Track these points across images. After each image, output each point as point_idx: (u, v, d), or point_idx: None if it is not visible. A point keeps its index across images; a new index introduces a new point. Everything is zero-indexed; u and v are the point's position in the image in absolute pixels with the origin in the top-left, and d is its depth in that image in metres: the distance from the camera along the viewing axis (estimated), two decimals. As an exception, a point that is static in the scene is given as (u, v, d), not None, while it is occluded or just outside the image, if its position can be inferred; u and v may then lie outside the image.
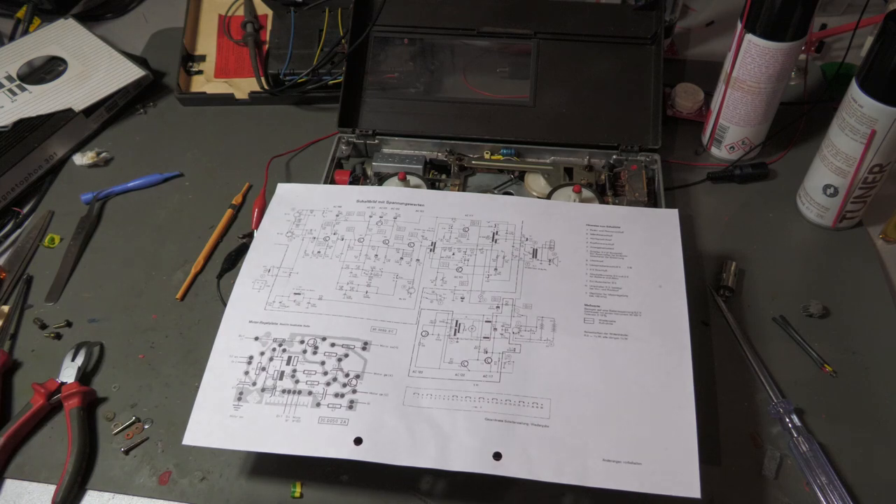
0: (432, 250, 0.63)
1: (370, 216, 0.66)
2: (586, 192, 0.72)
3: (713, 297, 0.69)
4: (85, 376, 0.65)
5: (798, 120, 0.83)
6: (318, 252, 0.64)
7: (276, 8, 0.94)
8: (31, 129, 0.82)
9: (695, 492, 0.49)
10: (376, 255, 0.63)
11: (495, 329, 0.58)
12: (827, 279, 0.71)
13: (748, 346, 0.65)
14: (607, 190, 0.74)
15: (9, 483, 0.59)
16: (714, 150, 0.83)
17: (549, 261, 0.62)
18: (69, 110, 0.85)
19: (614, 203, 0.72)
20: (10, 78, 0.89)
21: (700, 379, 0.63)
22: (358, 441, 0.52)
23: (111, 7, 1.08)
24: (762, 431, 0.60)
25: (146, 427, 0.61)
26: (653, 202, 0.73)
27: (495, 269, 0.62)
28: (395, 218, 0.66)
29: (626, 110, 0.79)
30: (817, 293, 0.69)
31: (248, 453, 0.59)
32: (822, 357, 0.64)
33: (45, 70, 0.90)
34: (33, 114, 0.84)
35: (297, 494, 0.57)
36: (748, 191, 0.80)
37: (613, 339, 0.57)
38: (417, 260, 0.63)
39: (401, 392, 0.55)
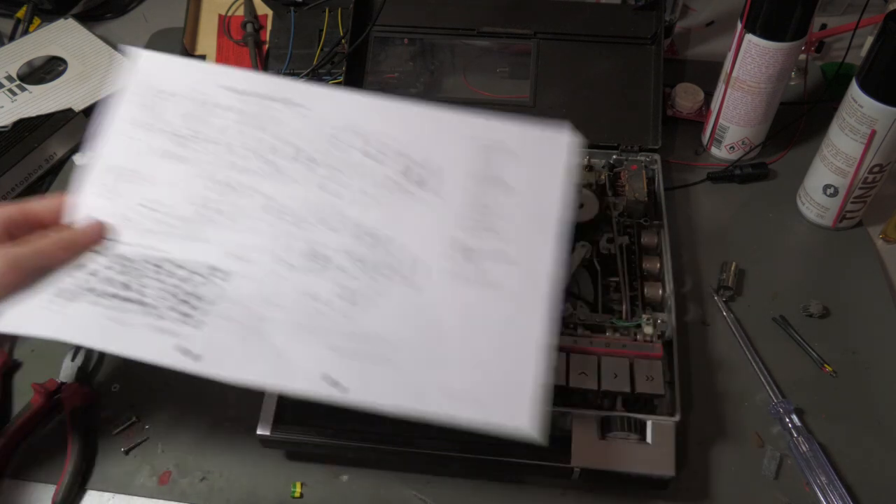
0: (300, 164, 0.56)
1: (239, 112, 0.57)
2: (586, 192, 0.72)
3: (713, 297, 0.69)
4: (85, 376, 0.65)
5: (798, 120, 0.83)
6: (174, 155, 0.55)
7: (276, 8, 0.94)
8: (31, 129, 0.82)
9: (524, 422, 0.47)
10: (239, 166, 0.55)
11: (354, 262, 0.53)
12: (827, 279, 0.71)
13: (748, 346, 0.65)
14: (607, 190, 0.74)
15: (9, 483, 0.59)
16: (714, 150, 0.83)
17: (424, 188, 0.56)
18: (69, 110, 0.85)
19: (614, 202, 0.72)
20: (10, 78, 0.89)
21: (700, 379, 0.64)
22: (188, 352, 0.49)
23: (111, 7, 1.08)
24: (762, 431, 0.60)
25: (146, 427, 0.61)
26: (653, 202, 0.73)
27: (366, 193, 0.55)
28: (265, 120, 0.57)
29: (625, 110, 0.79)
30: (817, 293, 0.69)
31: (249, 453, 0.59)
32: (822, 357, 0.64)
33: (45, 70, 0.90)
34: (33, 114, 0.84)
35: (297, 494, 0.57)
36: (748, 191, 0.80)
37: (478, 277, 0.53)
38: (282, 175, 0.55)
39: (245, 317, 0.51)
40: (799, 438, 0.58)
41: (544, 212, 0.55)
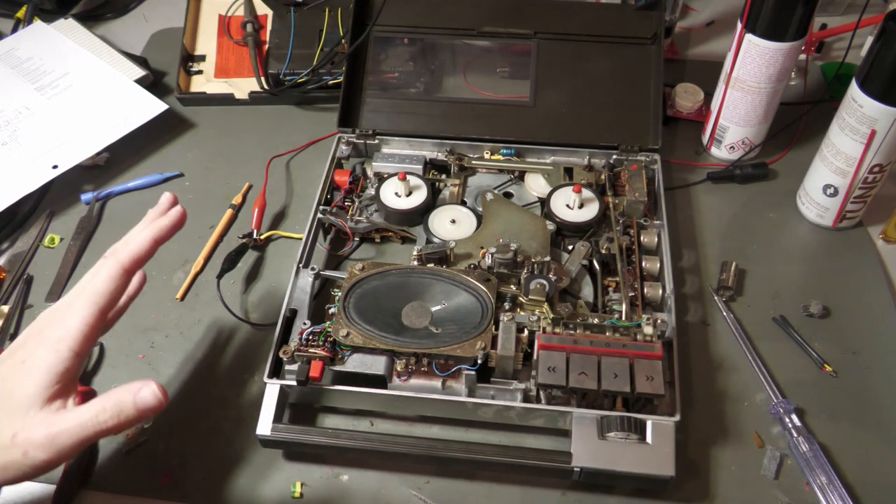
0: None
1: None
2: (586, 192, 0.72)
3: (713, 297, 0.69)
4: (85, 376, 0.65)
5: (798, 120, 0.83)
6: None
7: (276, 8, 0.94)
8: (31, 129, 0.82)
9: None
10: None
11: None
12: (827, 279, 0.71)
13: (748, 346, 0.65)
14: (607, 190, 0.74)
15: (9, 483, 0.59)
16: (714, 150, 0.83)
17: None
18: (69, 110, 0.85)
19: (614, 202, 0.72)
20: None
21: (700, 379, 0.64)
22: None
23: (111, 7, 1.08)
24: (762, 431, 0.60)
25: (146, 427, 0.61)
26: (653, 202, 0.73)
27: None
28: None
29: (626, 110, 0.79)
30: (817, 293, 0.69)
31: (249, 453, 0.59)
32: (822, 357, 0.64)
33: (45, 70, 0.90)
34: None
35: (297, 494, 0.57)
36: (748, 191, 0.80)
37: None
38: None
39: None
40: (799, 438, 0.58)
41: None
